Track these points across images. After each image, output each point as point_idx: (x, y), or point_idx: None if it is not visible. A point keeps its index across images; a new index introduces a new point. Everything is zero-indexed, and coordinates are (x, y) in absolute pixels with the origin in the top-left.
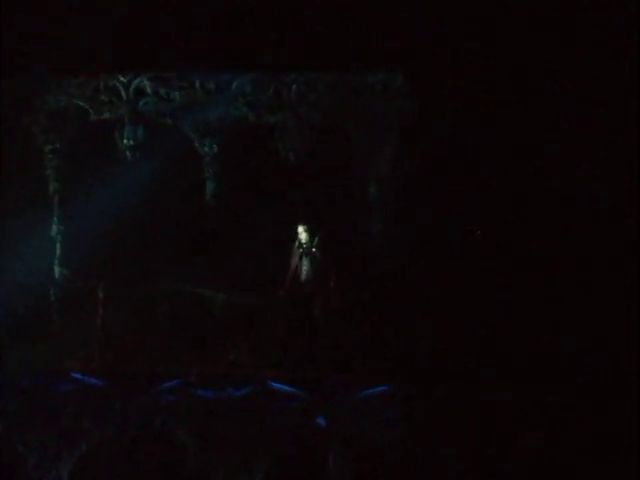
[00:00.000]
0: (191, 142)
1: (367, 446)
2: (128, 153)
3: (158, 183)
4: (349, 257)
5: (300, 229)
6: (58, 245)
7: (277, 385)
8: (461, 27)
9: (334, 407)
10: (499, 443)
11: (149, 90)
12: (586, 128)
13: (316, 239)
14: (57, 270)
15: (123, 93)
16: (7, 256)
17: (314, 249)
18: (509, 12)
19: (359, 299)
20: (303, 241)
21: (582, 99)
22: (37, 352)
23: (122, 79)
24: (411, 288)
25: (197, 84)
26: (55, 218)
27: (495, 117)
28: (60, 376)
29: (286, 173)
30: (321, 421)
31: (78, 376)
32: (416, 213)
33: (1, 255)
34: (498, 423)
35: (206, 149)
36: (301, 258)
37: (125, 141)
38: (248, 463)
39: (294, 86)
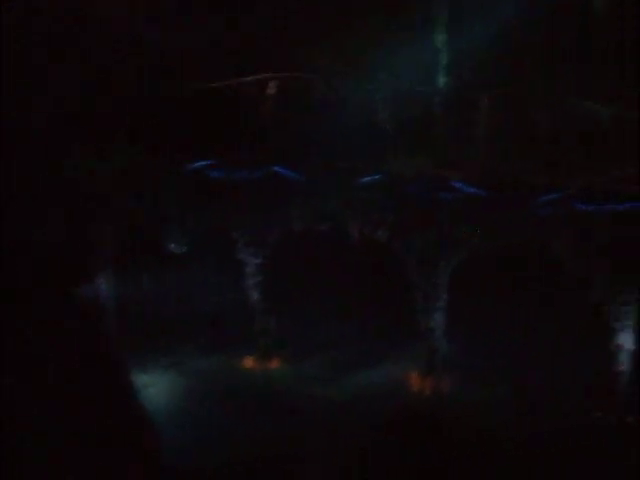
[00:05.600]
0: None
1: None
2: None
3: None
4: None
5: None
6: (443, 55)
7: None
8: None
9: None
10: None
11: None
12: None
13: None
14: (442, 80)
15: None
16: (394, 67)
17: None
18: None
19: None
20: None
21: None
22: (421, 160)
23: None
24: None
25: None
26: (441, 28)
27: None
28: (441, 184)
29: None
30: None
31: (459, 185)
32: None
33: (388, 66)
34: None
35: None
36: None
37: None
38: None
39: None
